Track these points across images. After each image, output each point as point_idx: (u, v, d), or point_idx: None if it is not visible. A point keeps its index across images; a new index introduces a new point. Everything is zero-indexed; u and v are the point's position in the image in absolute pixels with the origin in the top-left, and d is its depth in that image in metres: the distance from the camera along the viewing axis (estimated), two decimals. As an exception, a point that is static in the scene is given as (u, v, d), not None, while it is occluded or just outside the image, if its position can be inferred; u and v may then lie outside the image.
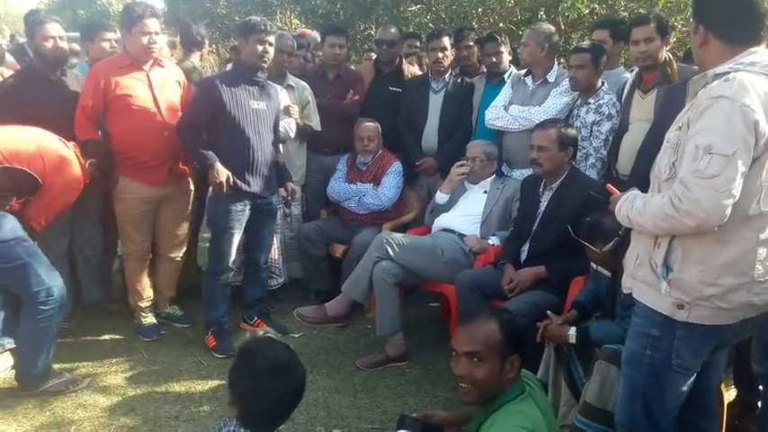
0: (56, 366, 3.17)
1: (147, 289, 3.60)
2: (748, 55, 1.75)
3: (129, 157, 3.30)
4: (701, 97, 1.74)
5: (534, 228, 3.18)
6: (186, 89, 3.56)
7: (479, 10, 8.10)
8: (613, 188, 2.15)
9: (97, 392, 2.97)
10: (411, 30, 7.31)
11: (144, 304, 3.59)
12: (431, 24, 7.91)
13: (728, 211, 1.70)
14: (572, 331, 2.51)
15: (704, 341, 1.85)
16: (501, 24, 7.53)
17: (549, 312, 2.72)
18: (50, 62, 3.34)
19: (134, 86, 3.27)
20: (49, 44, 3.27)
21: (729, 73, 1.72)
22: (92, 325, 3.66)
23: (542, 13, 6.92)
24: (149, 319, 3.60)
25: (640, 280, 1.92)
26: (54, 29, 3.30)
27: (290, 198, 3.68)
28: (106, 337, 3.56)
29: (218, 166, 3.23)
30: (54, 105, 3.26)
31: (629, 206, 1.91)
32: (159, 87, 3.34)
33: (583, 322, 2.67)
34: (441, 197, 3.72)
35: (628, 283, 1.99)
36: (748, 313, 1.85)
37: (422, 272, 3.38)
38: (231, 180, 3.28)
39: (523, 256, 3.20)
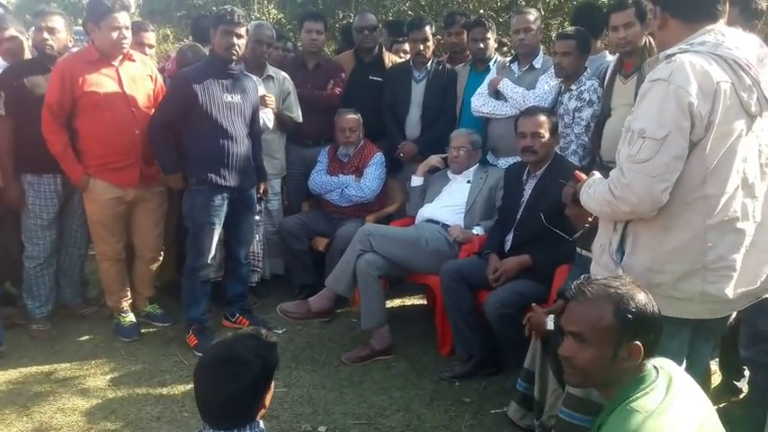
0: (33, 369, 3.12)
1: (124, 289, 3.52)
2: (703, 34, 1.72)
3: (98, 156, 3.20)
4: (646, 81, 1.73)
5: (518, 216, 3.15)
6: (159, 84, 3.45)
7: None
8: (581, 174, 2.13)
9: (77, 395, 2.89)
10: (390, 18, 7.22)
11: (122, 304, 3.50)
12: (410, 12, 7.82)
13: (664, 197, 1.69)
14: (549, 318, 2.48)
15: (669, 335, 1.74)
16: (481, 11, 7.48)
17: (533, 305, 2.69)
18: (43, 55, 3.28)
19: (102, 83, 3.15)
20: (39, 36, 3.23)
21: (676, 54, 1.70)
22: (70, 326, 3.58)
23: (522, -1, 6.86)
24: (128, 318, 3.52)
25: (602, 266, 1.91)
26: (47, 21, 3.25)
27: (262, 196, 3.68)
28: (85, 338, 3.47)
29: (175, 177, 3.33)
30: (42, 97, 3.18)
31: (586, 192, 1.90)
32: (130, 83, 3.23)
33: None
34: (415, 180, 3.70)
35: (594, 270, 1.97)
36: (717, 310, 1.82)
37: (406, 264, 3.34)
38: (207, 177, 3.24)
39: (508, 245, 3.17)
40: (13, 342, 3.34)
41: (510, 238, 3.17)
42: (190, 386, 3.00)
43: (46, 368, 3.13)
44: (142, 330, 3.54)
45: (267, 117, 3.79)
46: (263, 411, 1.64)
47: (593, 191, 1.88)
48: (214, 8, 10.70)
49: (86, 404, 2.82)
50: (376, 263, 3.23)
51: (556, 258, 2.94)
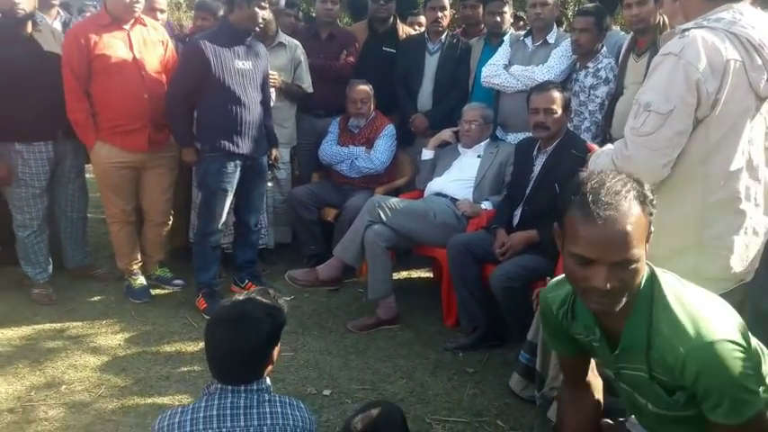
0: (46, 326, 3.19)
1: (134, 252, 3.57)
2: (722, 11, 1.70)
3: (108, 119, 3.21)
4: (658, 54, 1.73)
5: (527, 192, 3.15)
6: (170, 50, 3.45)
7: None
8: (594, 146, 2.13)
9: (88, 353, 2.97)
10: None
11: (132, 267, 3.56)
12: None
13: (665, 171, 1.70)
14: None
15: None
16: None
17: (547, 279, 2.71)
18: (13, 19, 3.09)
19: (113, 46, 3.15)
20: (8, 0, 3.04)
21: (690, 29, 1.69)
22: (81, 286, 3.65)
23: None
24: (139, 281, 3.58)
25: None
26: None
27: (273, 162, 3.69)
28: (96, 298, 3.54)
29: (190, 150, 3.33)
30: (32, 63, 3.13)
31: (594, 161, 1.92)
32: (140, 47, 3.23)
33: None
34: (426, 153, 3.71)
35: None
36: (708, 289, 1.84)
37: (414, 236, 3.36)
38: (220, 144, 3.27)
39: (516, 220, 3.18)
40: (26, 300, 3.43)
41: (518, 213, 3.18)
42: (198, 347, 3.07)
43: (58, 326, 3.20)
44: (153, 293, 3.61)
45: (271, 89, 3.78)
46: (270, 368, 1.70)
47: (600, 160, 1.89)
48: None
49: (97, 361, 2.90)
50: (384, 234, 3.26)
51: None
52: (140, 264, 3.63)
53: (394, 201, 3.40)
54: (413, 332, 3.34)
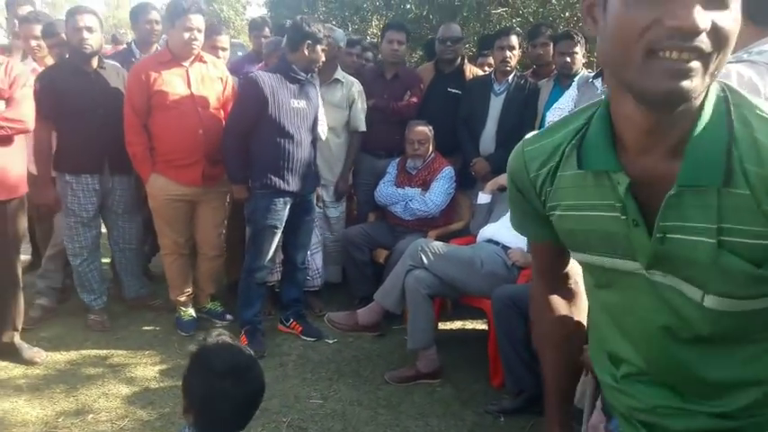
0: (92, 353, 3.29)
1: (186, 284, 3.62)
2: (766, 43, 1.44)
3: (163, 153, 3.31)
4: None
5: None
6: (230, 86, 3.54)
7: (567, 14, 7.70)
8: None
9: (123, 383, 3.00)
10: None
11: (183, 298, 3.62)
12: (518, 28, 7.61)
13: None
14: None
15: None
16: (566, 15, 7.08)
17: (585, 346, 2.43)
18: (81, 55, 3.25)
19: (172, 82, 3.26)
20: (77, 36, 3.22)
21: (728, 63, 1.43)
22: (136, 315, 3.75)
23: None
24: (189, 313, 3.63)
25: None
26: (83, 20, 3.22)
27: (316, 203, 3.67)
28: (146, 328, 3.62)
29: (241, 188, 3.35)
30: (93, 97, 3.30)
31: None
32: (198, 84, 3.32)
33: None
34: (482, 197, 3.50)
35: None
36: None
37: (458, 284, 3.16)
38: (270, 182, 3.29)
39: (569, 274, 2.90)
40: (82, 325, 3.56)
41: (572, 266, 2.90)
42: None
43: (104, 353, 3.29)
44: (201, 327, 3.64)
45: (321, 128, 3.77)
46: None
47: None
48: (333, 22, 11.08)
49: (128, 392, 2.92)
50: (426, 280, 3.09)
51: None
52: (192, 296, 3.68)
53: (438, 245, 3.23)
54: (454, 389, 3.11)
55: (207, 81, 3.38)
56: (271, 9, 14.35)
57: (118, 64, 3.62)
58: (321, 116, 3.76)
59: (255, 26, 4.65)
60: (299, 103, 3.34)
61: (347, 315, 3.44)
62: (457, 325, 3.93)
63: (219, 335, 1.67)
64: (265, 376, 3.00)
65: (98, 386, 2.96)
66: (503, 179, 3.59)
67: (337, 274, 4.18)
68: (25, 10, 4.01)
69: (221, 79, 3.46)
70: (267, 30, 4.46)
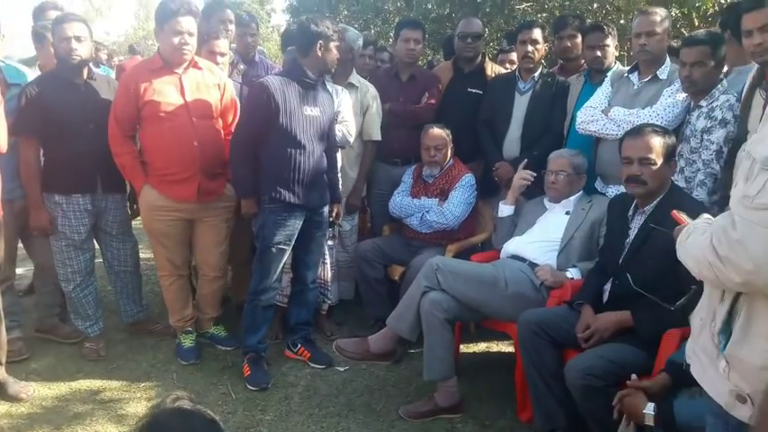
0: (83, 386, 3.04)
1: (186, 308, 3.36)
2: None
3: (157, 168, 3.06)
4: None
5: (621, 261, 2.51)
6: (230, 94, 3.26)
7: (595, 5, 7.30)
8: (681, 216, 1.52)
9: (112, 422, 2.74)
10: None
11: (184, 324, 3.36)
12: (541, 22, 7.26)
13: None
14: (649, 409, 1.87)
15: None
16: (622, 21, 6.69)
17: (633, 376, 2.08)
18: (69, 65, 3.06)
19: (164, 91, 2.99)
20: (65, 45, 3.00)
21: None
22: (135, 342, 3.51)
23: (675, 9, 5.93)
24: (190, 339, 3.37)
25: (701, 348, 1.30)
26: (72, 29, 3.00)
27: (334, 220, 3.38)
28: (144, 356, 3.36)
29: (250, 202, 3.08)
30: (84, 110, 3.08)
31: (684, 243, 1.31)
32: (193, 92, 3.05)
33: (679, 390, 2.01)
34: (504, 209, 3.17)
35: (689, 352, 1.37)
36: None
37: (479, 306, 2.82)
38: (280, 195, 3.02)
39: (606, 296, 2.55)
40: (75, 354, 3.33)
41: (609, 287, 2.54)
42: (226, 425, 2.71)
43: (96, 386, 3.04)
44: (204, 352, 3.37)
45: (348, 131, 3.48)
46: None
47: (692, 242, 1.30)
48: (356, 26, 10.85)
49: (118, 432, 2.66)
50: (443, 303, 2.76)
51: (665, 318, 2.28)
52: (193, 320, 3.42)
53: (456, 264, 2.89)
54: (477, 426, 2.78)
55: (203, 88, 3.10)
56: (292, 14, 14.20)
57: (109, 75, 3.39)
58: (349, 117, 3.50)
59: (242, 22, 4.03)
60: (313, 111, 3.06)
61: (358, 342, 3.11)
62: (481, 347, 3.59)
63: (176, 399, 1.37)
64: (267, 413, 2.76)
65: (85, 426, 2.70)
66: (519, 180, 3.25)
67: (350, 290, 3.88)
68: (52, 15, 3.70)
69: (218, 86, 3.18)
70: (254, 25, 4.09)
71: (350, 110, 3.56)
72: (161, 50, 3.06)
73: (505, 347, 3.53)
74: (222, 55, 3.44)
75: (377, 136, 3.70)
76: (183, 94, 3.03)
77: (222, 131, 3.22)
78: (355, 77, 3.71)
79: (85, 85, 3.15)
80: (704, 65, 2.66)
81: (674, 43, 3.58)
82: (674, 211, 1.64)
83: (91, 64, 3.23)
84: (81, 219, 3.16)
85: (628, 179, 2.44)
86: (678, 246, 1.41)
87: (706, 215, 1.48)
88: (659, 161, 2.37)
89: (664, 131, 2.46)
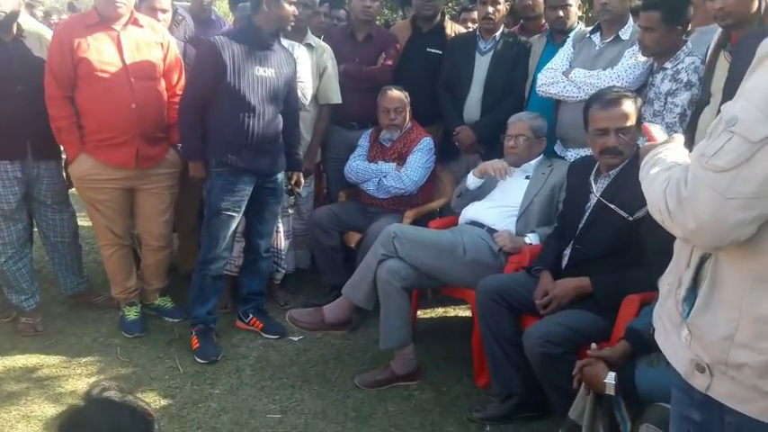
0: (19, 364, 2.86)
1: (129, 279, 3.18)
2: None
3: (92, 131, 2.83)
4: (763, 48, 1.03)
5: (580, 226, 2.46)
6: (173, 53, 3.04)
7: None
8: (651, 132, 1.46)
9: (49, 401, 2.58)
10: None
11: (127, 295, 3.18)
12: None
13: (740, 232, 1.00)
14: (610, 379, 1.83)
15: None
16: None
17: (593, 345, 2.04)
18: None
19: (100, 49, 2.76)
20: None
21: None
22: (75, 316, 3.32)
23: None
24: (134, 311, 3.20)
25: (666, 313, 1.24)
26: None
27: (293, 187, 3.24)
28: (86, 330, 3.18)
29: (197, 165, 2.96)
30: (12, 71, 2.82)
31: (647, 172, 1.23)
32: (132, 51, 2.83)
33: (639, 358, 1.98)
34: (472, 181, 3.04)
35: (655, 317, 1.31)
36: None
37: (437, 274, 2.74)
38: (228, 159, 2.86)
39: (565, 261, 2.50)
40: (11, 330, 3.13)
41: (568, 252, 2.49)
42: (175, 399, 2.64)
43: (32, 363, 2.86)
44: (149, 325, 3.21)
45: (304, 93, 3.31)
46: None
47: (653, 179, 1.20)
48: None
49: (55, 412, 2.49)
50: (400, 271, 2.67)
51: (624, 284, 2.25)
52: (137, 292, 3.24)
53: (414, 231, 2.80)
54: (434, 392, 2.73)
55: (143, 47, 2.88)
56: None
57: (42, 31, 3.11)
58: (306, 77, 3.34)
59: None
60: (266, 72, 2.89)
61: (312, 312, 2.98)
62: (438, 312, 3.54)
63: (104, 390, 1.23)
64: (217, 387, 2.65)
65: (19, 406, 2.54)
66: (493, 168, 3.06)
67: (306, 259, 3.75)
68: None
69: (161, 45, 2.96)
70: None
71: (307, 69, 3.39)
72: (95, 4, 2.81)
73: (462, 312, 3.49)
74: (164, 11, 3.20)
75: (336, 99, 3.53)
76: (120, 52, 2.81)
77: (166, 93, 3.01)
78: (311, 38, 3.52)
79: (14, 42, 2.88)
80: (654, 30, 2.60)
81: (639, 1, 3.51)
82: (645, 124, 1.57)
83: (20, 20, 2.94)
84: (10, 187, 2.93)
85: (604, 151, 2.36)
86: (641, 169, 1.32)
87: (678, 135, 1.40)
88: (633, 128, 2.31)
89: (634, 95, 2.39)
